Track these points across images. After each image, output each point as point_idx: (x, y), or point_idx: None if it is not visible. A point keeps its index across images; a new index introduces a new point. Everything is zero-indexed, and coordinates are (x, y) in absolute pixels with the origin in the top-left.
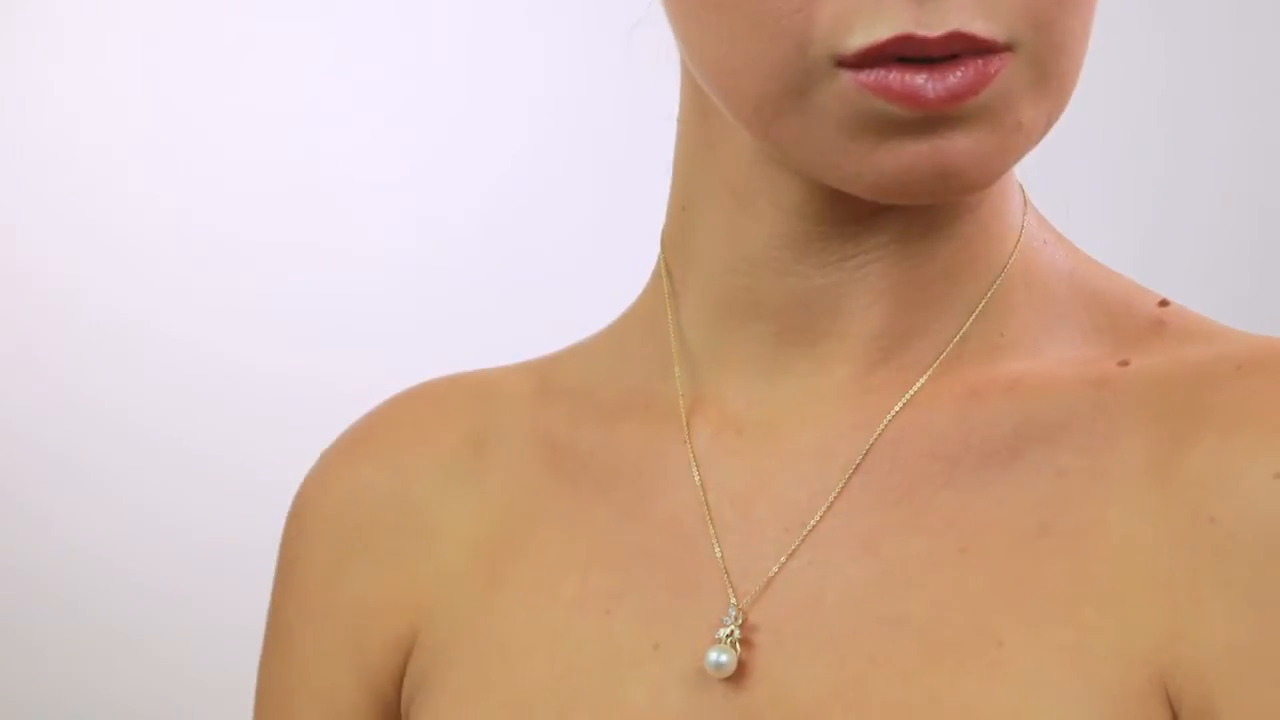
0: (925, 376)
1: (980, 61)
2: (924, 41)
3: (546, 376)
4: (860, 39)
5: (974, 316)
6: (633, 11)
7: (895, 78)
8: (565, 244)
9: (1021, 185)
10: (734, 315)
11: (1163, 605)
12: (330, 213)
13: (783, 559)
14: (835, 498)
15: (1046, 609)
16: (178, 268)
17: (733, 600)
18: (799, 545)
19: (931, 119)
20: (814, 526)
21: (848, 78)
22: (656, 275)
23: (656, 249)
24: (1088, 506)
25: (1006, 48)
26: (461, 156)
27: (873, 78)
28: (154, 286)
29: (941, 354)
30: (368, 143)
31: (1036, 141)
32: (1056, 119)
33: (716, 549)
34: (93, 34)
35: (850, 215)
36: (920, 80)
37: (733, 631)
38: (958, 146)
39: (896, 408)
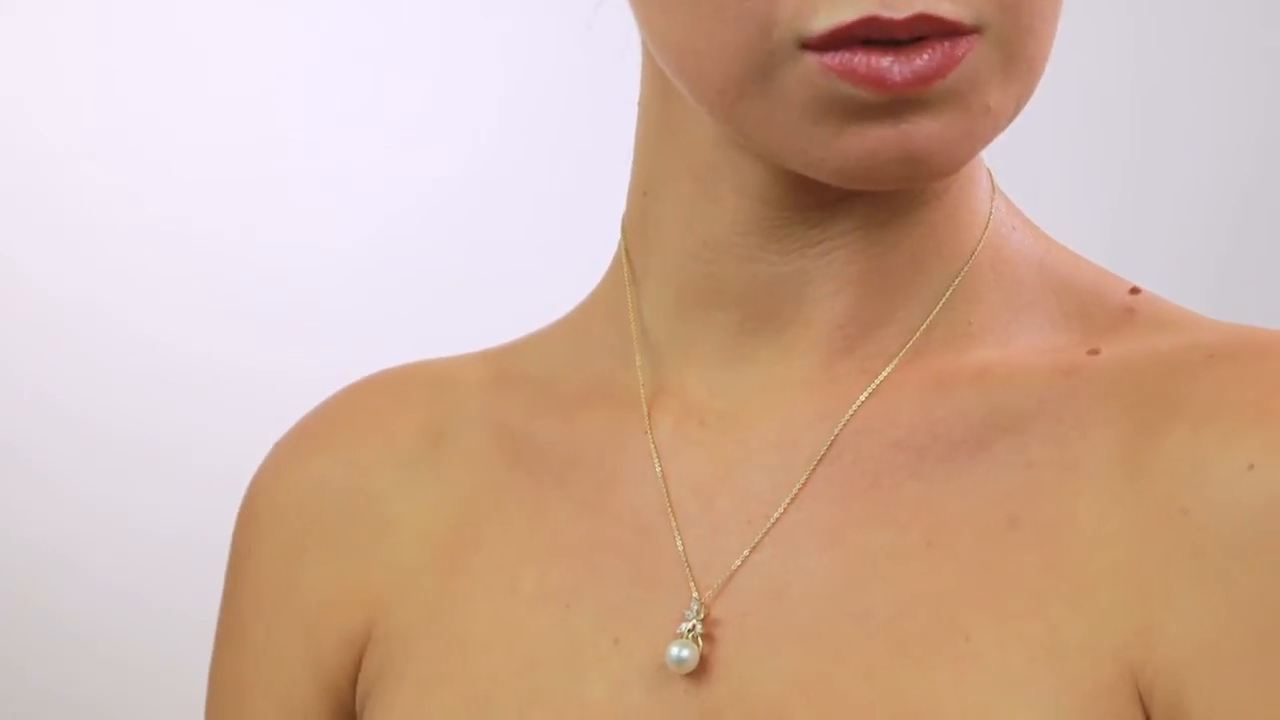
0: (891, 365)
1: (947, 44)
2: (890, 23)
3: (504, 366)
4: (825, 21)
5: (941, 304)
6: None
7: (860, 60)
8: (525, 232)
9: (989, 170)
10: (696, 303)
11: (1134, 599)
12: (288, 201)
13: (745, 552)
14: (799, 489)
15: (1015, 603)
16: (131, 255)
17: (695, 594)
18: (762, 538)
19: (897, 103)
20: (777, 519)
21: (812, 60)
22: (617, 262)
23: (617, 235)
24: (1057, 498)
25: (974, 30)
26: (421, 144)
27: (837, 60)
28: (106, 274)
29: (908, 343)
30: (327, 131)
31: (1005, 126)
32: (1025, 102)
33: (678, 542)
34: (45, 18)
35: (815, 201)
36: (886, 63)
37: (695, 626)
38: (924, 131)
39: (862, 397)
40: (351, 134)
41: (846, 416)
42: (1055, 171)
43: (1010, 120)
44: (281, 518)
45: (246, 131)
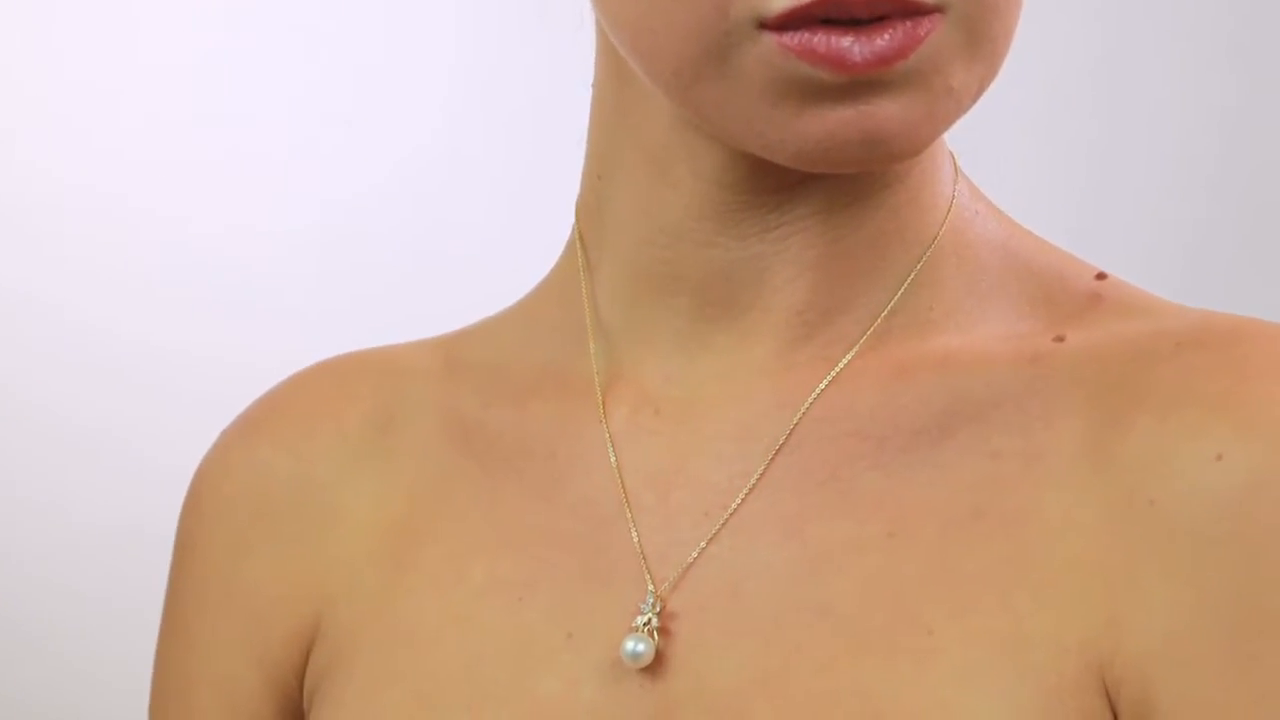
0: (851, 353)
1: (909, 23)
2: (850, 2)
3: (454, 353)
4: (783, 0)
5: (902, 290)
6: None
7: (820, 40)
8: (476, 216)
9: (952, 153)
10: (652, 289)
11: (1100, 592)
12: (235, 183)
13: (702, 544)
14: (757, 480)
15: (978, 596)
16: (73, 238)
17: (650, 587)
18: (719, 530)
19: (858, 84)
20: (735, 510)
21: (770, 40)
22: (571, 247)
23: (571, 220)
24: (1022, 489)
25: (936, 9)
26: (371, 126)
27: (796, 40)
28: (47, 258)
29: (868, 329)
30: (275, 111)
31: (968, 107)
32: (989, 83)
33: (633, 533)
34: None
35: (773, 184)
36: (846, 43)
37: (650, 620)
38: (885, 112)
39: (821, 385)
40: (300, 115)
41: (805, 405)
42: (1020, 154)
43: (973, 101)
44: (226, 509)
45: (194, 115)
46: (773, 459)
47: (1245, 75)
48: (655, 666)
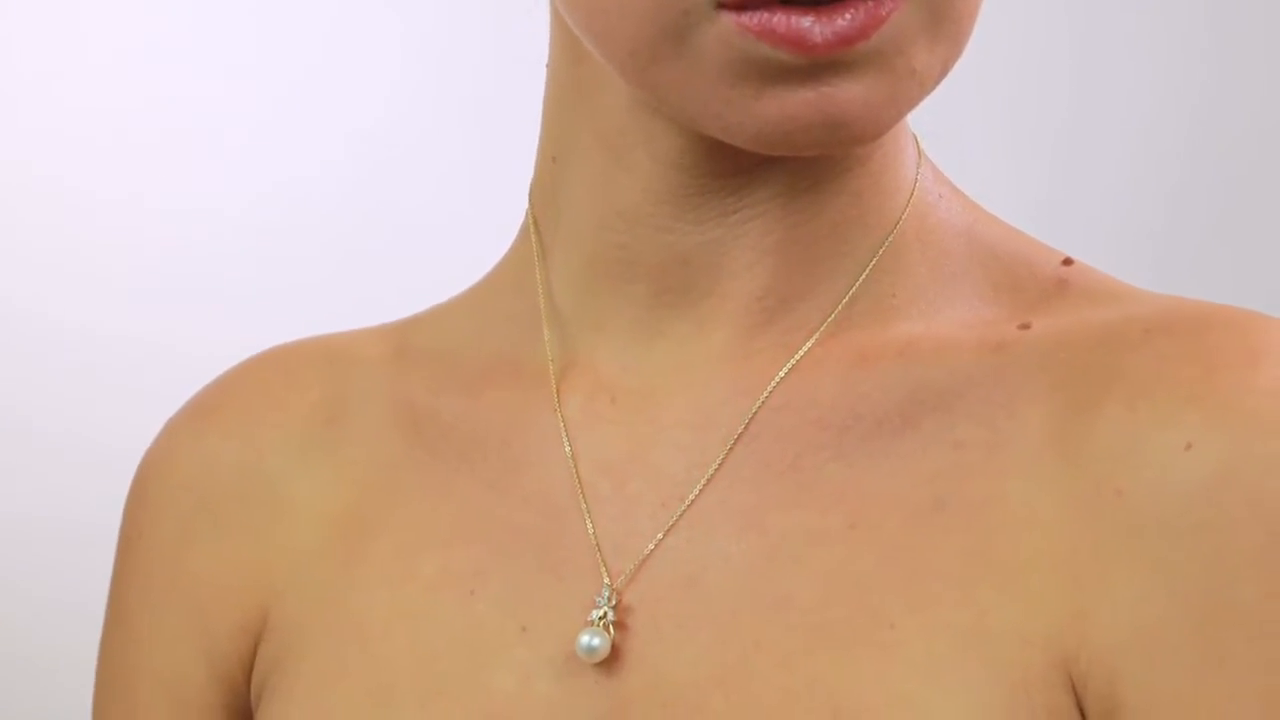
0: (812, 340)
1: (870, 3)
2: None
3: (405, 340)
4: None
5: (864, 276)
6: None
7: (780, 20)
8: (428, 199)
9: (915, 136)
10: (607, 275)
11: (1066, 584)
12: (178, 166)
13: (659, 535)
14: (715, 470)
15: (941, 589)
16: (11, 223)
17: (606, 580)
18: (676, 521)
19: (819, 65)
20: (693, 501)
21: (729, 20)
22: (524, 232)
23: (525, 204)
24: (986, 479)
25: None
26: (318, 106)
27: (756, 20)
28: None
29: (829, 316)
30: (218, 91)
31: (931, 89)
32: (953, 64)
33: (588, 525)
34: None
35: (732, 168)
36: (806, 23)
37: (605, 613)
38: (847, 94)
39: (781, 373)
40: (245, 95)
41: (765, 394)
42: (984, 137)
43: (937, 83)
44: (172, 499)
45: (135, 96)
46: (731, 449)
47: (1214, 59)
48: (611, 661)
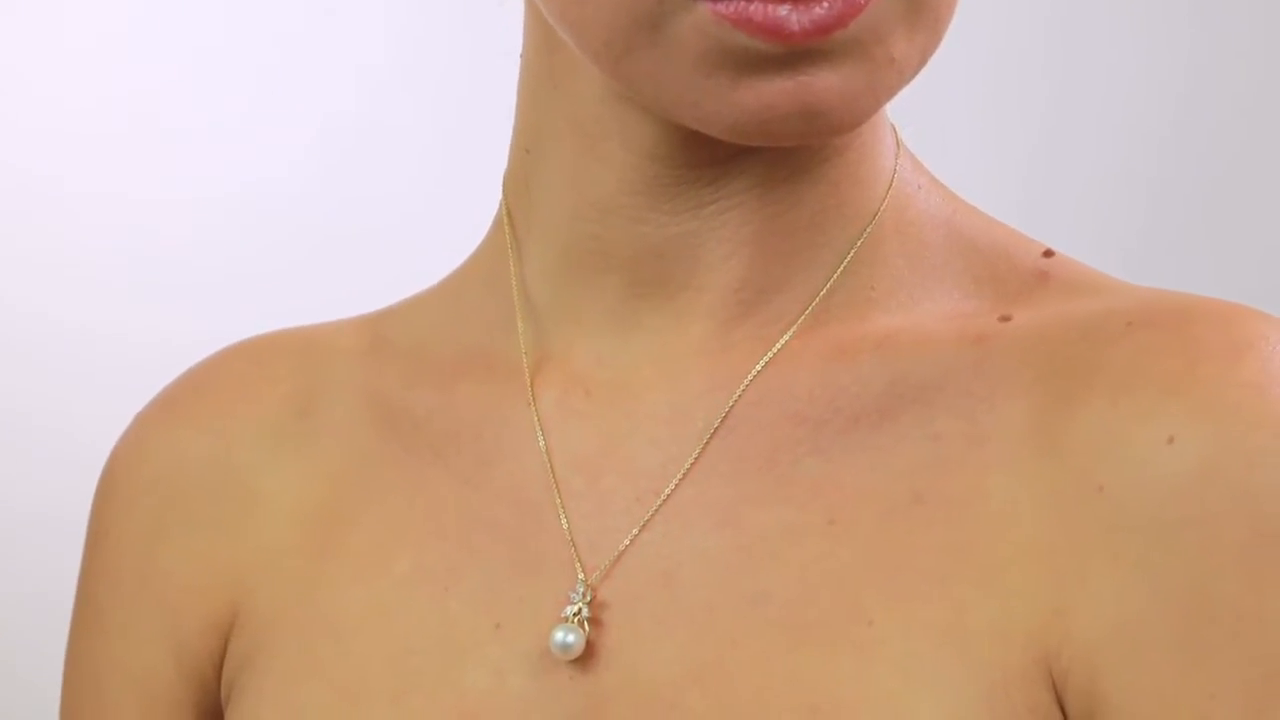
0: (789, 333)
1: None
2: None
3: (378, 333)
4: None
5: (842, 268)
6: None
7: (757, 9)
8: (401, 191)
9: (894, 126)
10: (582, 266)
11: (1046, 580)
12: (142, 155)
13: (634, 531)
14: (691, 464)
15: (920, 585)
16: None
17: (580, 576)
18: (652, 516)
19: (796, 54)
20: (668, 496)
21: (705, 9)
22: (498, 223)
23: (498, 195)
24: (965, 474)
25: None
26: (286, 94)
27: (732, 9)
28: None
29: (807, 308)
30: (182, 77)
31: (910, 78)
32: (931, 53)
33: (563, 520)
34: None
35: (708, 158)
36: (783, 12)
37: (580, 610)
38: (824, 83)
39: (758, 367)
40: (209, 82)
41: (742, 387)
42: (964, 127)
43: (916, 73)
44: (142, 493)
45: (95, 83)
46: (707, 443)
47: (1196, 49)
48: (586, 658)
